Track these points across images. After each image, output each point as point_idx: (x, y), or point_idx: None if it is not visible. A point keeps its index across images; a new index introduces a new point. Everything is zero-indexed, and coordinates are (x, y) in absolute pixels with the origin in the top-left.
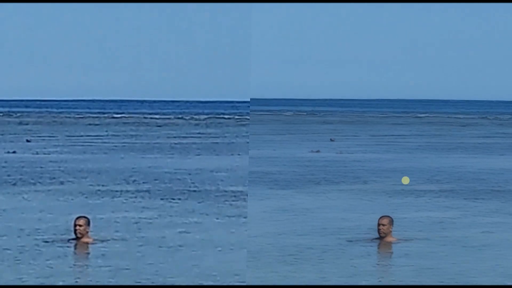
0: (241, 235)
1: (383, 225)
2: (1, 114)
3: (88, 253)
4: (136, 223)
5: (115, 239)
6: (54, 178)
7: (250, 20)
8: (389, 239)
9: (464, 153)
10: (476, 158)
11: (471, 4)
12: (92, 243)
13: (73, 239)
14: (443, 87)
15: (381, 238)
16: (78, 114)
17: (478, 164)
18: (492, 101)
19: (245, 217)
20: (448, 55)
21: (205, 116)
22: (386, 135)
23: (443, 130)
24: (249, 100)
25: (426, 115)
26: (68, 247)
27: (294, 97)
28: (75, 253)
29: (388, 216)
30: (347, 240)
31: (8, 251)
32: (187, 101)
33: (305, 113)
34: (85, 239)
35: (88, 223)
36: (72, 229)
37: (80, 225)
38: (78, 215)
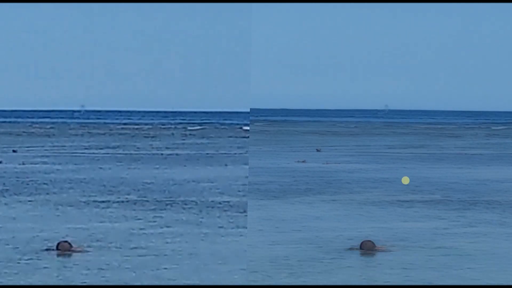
0: (230, 245)
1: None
2: None
3: (77, 263)
4: (123, 233)
5: (102, 249)
6: (40, 188)
7: (248, 34)
8: (378, 248)
9: (450, 164)
10: (461, 169)
11: (465, 9)
12: (80, 253)
13: (61, 248)
14: (429, 98)
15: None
16: (65, 125)
17: (464, 175)
18: (477, 112)
19: (233, 228)
20: (432, 65)
21: (193, 127)
22: (372, 145)
23: (428, 140)
24: (248, 110)
25: (412, 125)
26: (56, 256)
27: (278, 107)
28: (63, 263)
29: (369, 241)
30: (337, 250)
31: None
32: (180, 112)
33: (281, 123)
34: (74, 249)
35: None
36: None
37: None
38: (58, 241)
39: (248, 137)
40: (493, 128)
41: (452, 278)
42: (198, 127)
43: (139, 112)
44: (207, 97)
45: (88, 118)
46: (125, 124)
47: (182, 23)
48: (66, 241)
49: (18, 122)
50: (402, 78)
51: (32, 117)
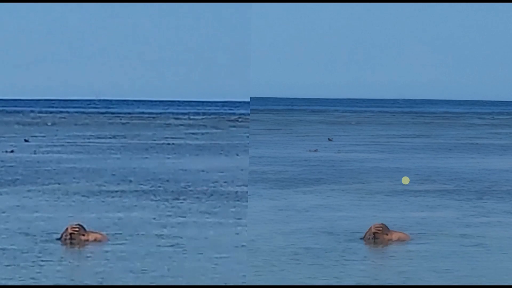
0: (242, 235)
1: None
2: None
3: (93, 252)
4: (138, 222)
5: (118, 238)
6: (52, 177)
7: (250, 20)
8: (390, 237)
9: (460, 154)
10: (473, 159)
11: (471, 5)
12: (96, 242)
13: (71, 237)
14: (440, 87)
15: (380, 238)
16: (76, 114)
17: (475, 165)
18: (487, 101)
19: (246, 218)
20: (443, 54)
21: (202, 117)
22: (384, 135)
23: (439, 130)
24: (248, 100)
25: (423, 114)
26: (70, 246)
27: (291, 96)
28: (78, 253)
29: (381, 225)
30: (352, 240)
31: (7, 251)
32: (185, 101)
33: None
34: (85, 238)
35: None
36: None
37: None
38: (69, 225)
39: (248, 127)
40: (496, 117)
41: (470, 268)
42: (207, 117)
43: (151, 101)
44: (214, 87)
45: (101, 107)
46: (136, 113)
47: (186, 20)
48: (79, 225)
49: (31, 112)
50: (413, 68)
51: (45, 107)
